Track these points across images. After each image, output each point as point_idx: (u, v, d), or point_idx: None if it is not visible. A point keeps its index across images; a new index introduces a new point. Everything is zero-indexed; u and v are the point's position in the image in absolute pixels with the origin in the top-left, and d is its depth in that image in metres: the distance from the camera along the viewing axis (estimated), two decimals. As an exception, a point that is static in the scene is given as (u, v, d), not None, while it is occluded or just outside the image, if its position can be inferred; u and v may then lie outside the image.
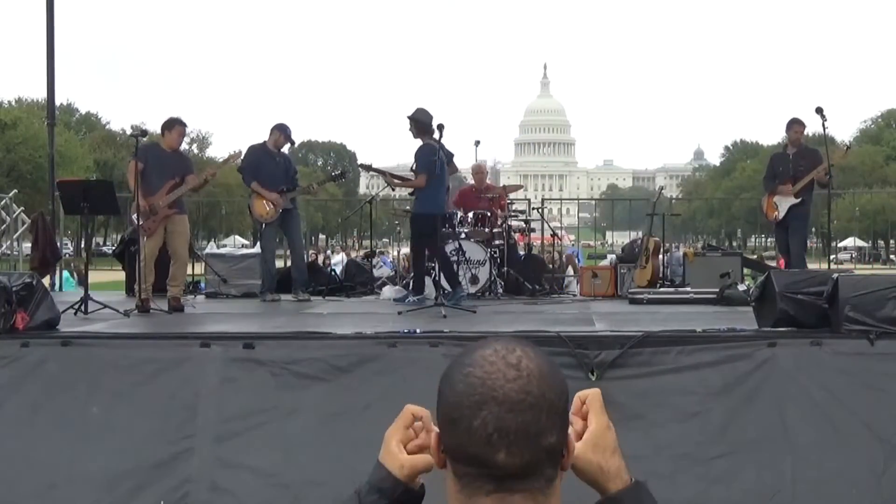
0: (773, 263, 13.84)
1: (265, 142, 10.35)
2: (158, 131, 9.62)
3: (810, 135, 10.28)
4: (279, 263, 11.11)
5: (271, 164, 10.20)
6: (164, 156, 9.08)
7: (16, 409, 5.92)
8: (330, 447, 5.69)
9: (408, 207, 14.67)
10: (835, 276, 6.05)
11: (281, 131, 10.35)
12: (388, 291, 10.83)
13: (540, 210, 13.81)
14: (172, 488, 5.67)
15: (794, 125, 10.15)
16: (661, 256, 11.61)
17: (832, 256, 18.45)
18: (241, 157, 10.38)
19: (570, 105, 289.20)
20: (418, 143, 9.83)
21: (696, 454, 5.57)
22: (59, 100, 55.10)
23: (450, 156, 10.25)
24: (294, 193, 10.33)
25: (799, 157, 10.04)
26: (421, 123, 9.78)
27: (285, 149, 10.64)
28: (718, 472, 5.53)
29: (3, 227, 13.66)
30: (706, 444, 5.62)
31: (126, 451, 5.74)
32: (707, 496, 5.48)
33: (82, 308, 7.95)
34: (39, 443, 5.80)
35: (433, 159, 9.53)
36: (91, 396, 5.91)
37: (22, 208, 14.38)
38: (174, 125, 9.19)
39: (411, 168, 9.97)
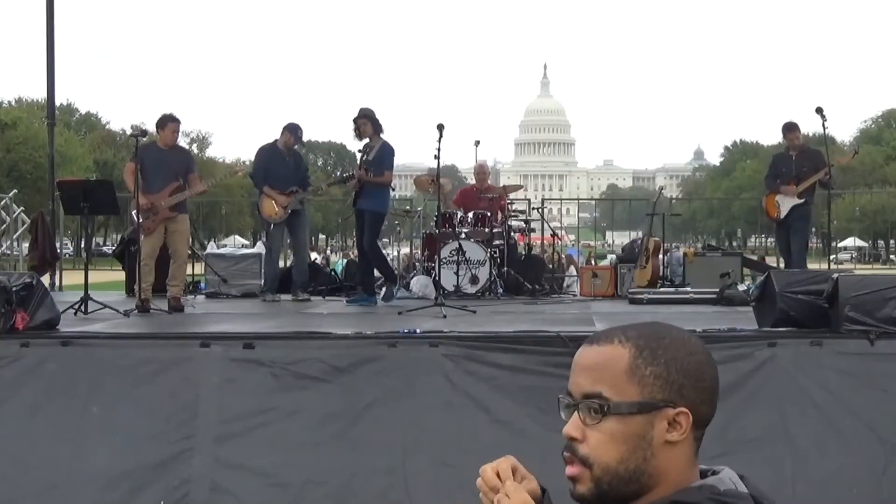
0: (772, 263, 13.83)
1: (276, 141, 10.32)
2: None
3: (810, 135, 10.27)
4: (279, 264, 11.10)
5: (281, 164, 10.18)
6: (161, 153, 9.07)
7: (16, 409, 5.92)
8: (330, 447, 5.69)
9: (408, 208, 14.72)
10: (835, 276, 6.05)
11: (291, 132, 10.32)
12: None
13: (540, 210, 13.81)
14: (173, 488, 5.67)
15: (789, 132, 10.11)
16: (661, 256, 11.61)
17: (832, 256, 18.44)
18: (251, 161, 10.39)
19: (570, 105, 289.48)
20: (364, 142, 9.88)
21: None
22: (59, 100, 54.93)
23: None
24: (304, 194, 10.31)
25: (802, 158, 10.02)
26: (376, 122, 9.77)
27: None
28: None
29: (3, 227, 13.66)
30: (706, 443, 5.60)
31: (126, 452, 5.74)
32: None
33: (82, 308, 7.95)
34: (40, 443, 5.80)
35: (394, 158, 9.83)
36: (91, 396, 5.91)
37: (22, 208, 14.36)
38: (167, 122, 9.18)
39: (365, 168, 9.69)
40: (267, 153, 10.26)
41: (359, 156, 10.05)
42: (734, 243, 73.96)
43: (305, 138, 10.98)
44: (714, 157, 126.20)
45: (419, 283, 10.79)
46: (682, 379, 1.42)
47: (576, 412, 1.44)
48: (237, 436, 5.79)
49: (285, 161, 10.22)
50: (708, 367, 1.45)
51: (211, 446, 5.77)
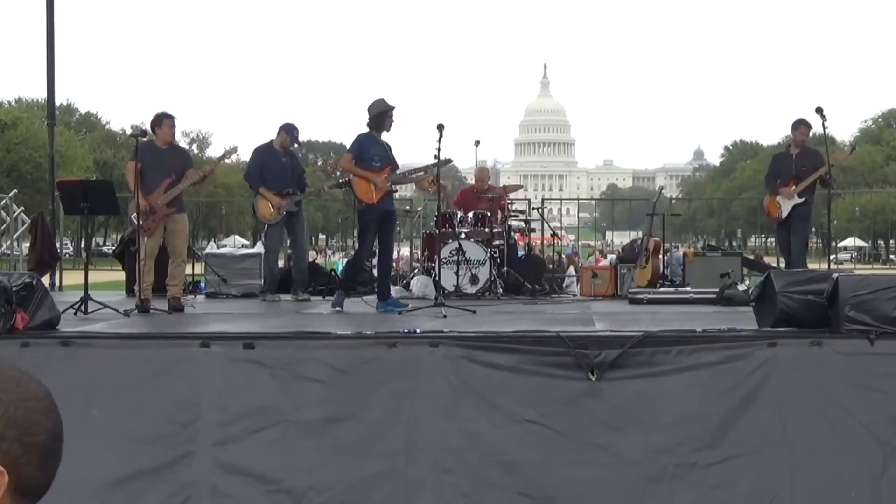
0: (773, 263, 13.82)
1: (272, 141, 10.31)
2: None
3: (810, 135, 10.27)
4: (279, 263, 11.10)
5: (277, 164, 10.16)
6: (159, 152, 9.02)
7: (16, 409, 5.90)
8: (330, 447, 5.69)
9: (408, 207, 14.74)
10: (835, 276, 6.05)
11: (287, 132, 10.30)
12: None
13: (540, 210, 13.83)
14: (173, 492, 5.66)
15: (801, 126, 10.12)
16: (661, 256, 11.62)
17: (832, 256, 18.44)
18: (248, 160, 10.35)
19: (570, 105, 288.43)
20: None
21: (696, 455, 5.56)
22: (59, 100, 54.67)
23: None
24: (302, 196, 10.26)
25: (802, 158, 10.03)
26: None
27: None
28: (718, 474, 5.53)
29: (3, 227, 13.66)
30: (706, 445, 5.61)
31: (126, 454, 5.72)
32: (707, 497, 5.48)
33: (82, 308, 7.94)
34: (39, 443, 5.78)
35: None
36: (91, 398, 5.89)
37: (22, 208, 14.36)
38: (162, 120, 9.14)
39: (384, 167, 8.85)
40: (263, 153, 10.24)
41: (380, 151, 8.81)
42: (734, 243, 73.90)
43: (305, 138, 10.98)
44: (714, 157, 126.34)
45: (419, 283, 10.79)
46: (5, 429, 1.21)
47: None
48: (237, 438, 5.77)
49: (281, 161, 10.20)
50: (45, 419, 1.21)
51: (211, 449, 5.76)
